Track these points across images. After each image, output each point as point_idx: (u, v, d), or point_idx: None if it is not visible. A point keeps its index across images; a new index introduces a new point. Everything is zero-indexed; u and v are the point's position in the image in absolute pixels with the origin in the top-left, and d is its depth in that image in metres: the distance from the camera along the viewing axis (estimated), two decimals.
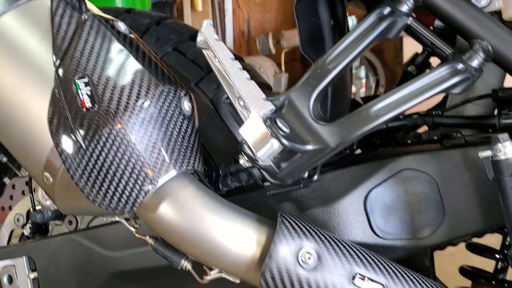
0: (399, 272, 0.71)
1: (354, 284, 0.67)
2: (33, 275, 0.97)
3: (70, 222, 1.05)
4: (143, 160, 0.65)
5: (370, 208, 0.79)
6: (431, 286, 0.72)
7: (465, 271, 0.96)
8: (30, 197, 1.06)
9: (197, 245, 0.67)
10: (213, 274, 0.71)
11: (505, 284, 0.92)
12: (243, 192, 0.85)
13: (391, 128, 0.99)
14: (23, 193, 1.12)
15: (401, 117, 0.93)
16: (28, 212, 1.11)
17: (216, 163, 0.97)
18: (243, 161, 0.69)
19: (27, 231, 1.08)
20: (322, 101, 0.91)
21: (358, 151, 1.05)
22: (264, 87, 1.09)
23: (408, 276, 0.71)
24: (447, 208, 0.78)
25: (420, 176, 0.79)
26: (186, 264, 0.71)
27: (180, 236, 0.67)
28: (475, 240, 1.06)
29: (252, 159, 0.67)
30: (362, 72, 3.78)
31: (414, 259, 0.92)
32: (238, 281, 0.71)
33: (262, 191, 0.82)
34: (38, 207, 1.05)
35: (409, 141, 1.02)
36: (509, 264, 0.74)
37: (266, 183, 0.80)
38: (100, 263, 0.92)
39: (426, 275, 0.92)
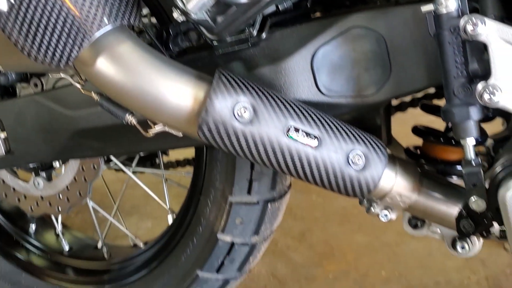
0: (335, 127, 0.73)
1: (288, 136, 0.70)
2: (3, 134, 1.02)
3: (36, 85, 1.07)
4: (74, 13, 0.64)
5: (316, 66, 0.80)
6: (367, 139, 0.75)
7: (417, 130, 0.99)
8: None
9: (135, 98, 0.69)
10: (157, 128, 0.74)
11: (453, 141, 0.95)
12: (194, 52, 0.85)
13: None
14: None
15: None
16: None
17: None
18: (176, 14, 0.68)
19: None
20: None
21: None
22: None
23: (344, 130, 0.74)
24: (394, 65, 0.78)
25: (369, 34, 0.78)
26: (130, 119, 0.74)
27: (119, 90, 0.69)
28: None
29: (184, 12, 0.66)
30: None
31: (366, 119, 0.94)
32: (181, 134, 0.74)
33: (212, 51, 0.82)
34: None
35: (378, 3, 0.99)
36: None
37: (216, 43, 0.80)
38: (63, 122, 0.95)
39: (377, 134, 0.96)
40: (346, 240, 1.62)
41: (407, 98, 1.12)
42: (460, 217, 0.75)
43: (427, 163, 0.96)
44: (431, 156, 0.96)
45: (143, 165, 1.34)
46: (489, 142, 1.04)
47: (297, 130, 0.71)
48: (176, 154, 1.48)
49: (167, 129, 0.74)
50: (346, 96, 0.80)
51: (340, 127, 0.74)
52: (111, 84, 0.69)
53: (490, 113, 0.91)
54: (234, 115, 0.69)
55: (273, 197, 1.05)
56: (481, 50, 0.66)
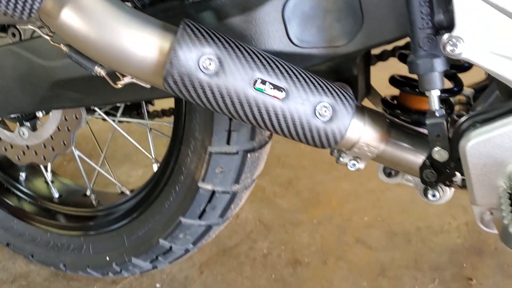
0: (303, 78, 0.73)
1: (255, 88, 0.71)
2: None
3: (14, 35, 1.06)
4: None
5: (288, 16, 0.79)
6: (335, 90, 0.75)
7: (394, 80, 0.99)
8: None
9: (101, 50, 0.69)
10: (125, 80, 0.74)
11: None
12: (166, 1, 0.84)
13: None
14: None
15: None
16: None
17: None
18: None
19: None
20: None
21: None
22: None
23: (312, 82, 0.74)
24: (366, 16, 0.77)
25: None
26: (99, 70, 0.74)
27: (84, 42, 0.69)
28: None
29: None
30: None
31: (343, 69, 0.94)
32: (148, 86, 0.75)
33: (183, 0, 0.81)
34: None
35: None
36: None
37: None
38: (40, 73, 0.96)
39: (354, 84, 0.96)
40: (332, 187, 1.66)
41: (389, 47, 1.11)
42: (423, 166, 0.77)
43: (402, 113, 0.97)
44: (407, 106, 0.96)
45: (129, 114, 1.35)
46: (469, 91, 1.05)
47: (264, 82, 0.71)
48: (162, 104, 1.48)
49: (135, 80, 0.74)
50: (318, 46, 0.80)
51: (308, 78, 0.74)
52: (77, 36, 0.69)
53: (466, 63, 0.91)
54: (199, 67, 0.69)
55: (252, 147, 1.06)
56: (446, 1, 0.65)
